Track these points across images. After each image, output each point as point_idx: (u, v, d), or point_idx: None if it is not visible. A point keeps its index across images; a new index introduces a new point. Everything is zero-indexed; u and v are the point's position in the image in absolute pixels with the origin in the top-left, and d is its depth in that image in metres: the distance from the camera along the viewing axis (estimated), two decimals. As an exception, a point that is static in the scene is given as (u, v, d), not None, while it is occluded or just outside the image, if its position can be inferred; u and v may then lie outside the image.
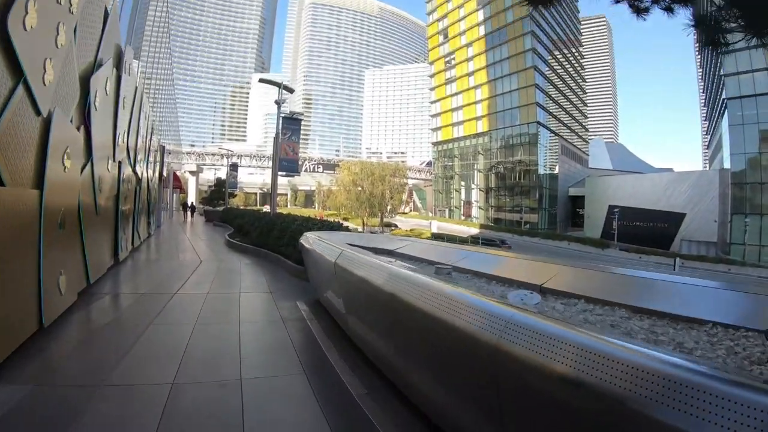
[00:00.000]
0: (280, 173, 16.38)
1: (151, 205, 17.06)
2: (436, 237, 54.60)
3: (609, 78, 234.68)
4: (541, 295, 3.54)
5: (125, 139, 9.59)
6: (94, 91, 6.42)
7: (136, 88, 11.16)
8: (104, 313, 5.74)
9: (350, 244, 6.17)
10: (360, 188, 62.71)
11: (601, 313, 3.18)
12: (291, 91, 17.44)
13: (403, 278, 3.10)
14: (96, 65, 6.60)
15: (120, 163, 9.21)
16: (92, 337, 4.70)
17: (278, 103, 15.46)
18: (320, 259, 5.35)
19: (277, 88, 16.23)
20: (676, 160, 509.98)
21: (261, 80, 16.52)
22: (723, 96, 47.14)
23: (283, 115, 16.08)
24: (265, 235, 12.73)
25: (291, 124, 17.36)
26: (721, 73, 46.76)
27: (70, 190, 5.41)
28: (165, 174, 28.13)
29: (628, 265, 39.47)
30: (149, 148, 15.76)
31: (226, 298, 6.84)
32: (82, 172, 5.98)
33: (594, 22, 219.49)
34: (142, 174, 13.46)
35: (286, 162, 16.75)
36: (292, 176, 30.11)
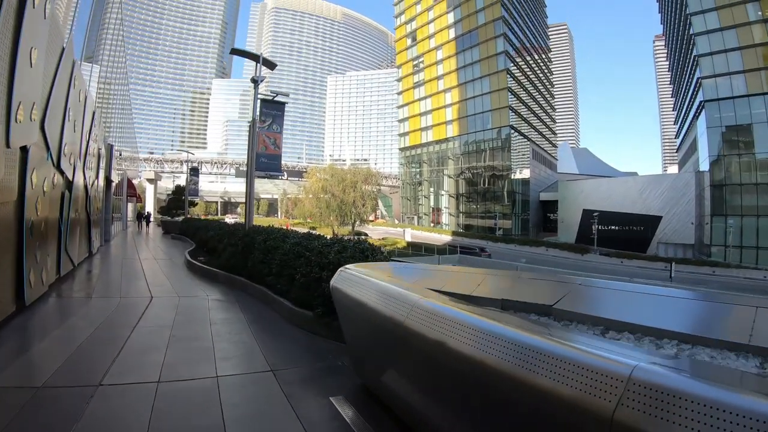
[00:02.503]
0: (258, 173, 12.82)
1: (93, 216, 13.65)
2: (412, 246, 51.88)
3: (570, 83, 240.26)
4: None
5: (33, 117, 6.21)
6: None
7: (63, 49, 7.98)
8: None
9: (439, 291, 3.37)
10: (330, 195, 59.41)
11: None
12: (272, 66, 14.14)
13: None
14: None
15: (27, 153, 6.01)
16: None
17: (255, 80, 12.00)
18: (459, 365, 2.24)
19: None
20: (635, 163, 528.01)
21: (233, 51, 12.94)
22: (699, 99, 46.81)
23: (261, 96, 12.56)
24: (240, 256, 9.56)
25: (272, 109, 13.59)
26: (698, 75, 46.35)
27: None
28: (116, 180, 24.73)
29: (622, 272, 37.93)
30: (89, 143, 12.41)
31: (194, 398, 3.57)
32: None
33: (556, 30, 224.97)
34: (75, 176, 10.17)
35: (266, 158, 12.90)
36: (276, 177, 26.56)
